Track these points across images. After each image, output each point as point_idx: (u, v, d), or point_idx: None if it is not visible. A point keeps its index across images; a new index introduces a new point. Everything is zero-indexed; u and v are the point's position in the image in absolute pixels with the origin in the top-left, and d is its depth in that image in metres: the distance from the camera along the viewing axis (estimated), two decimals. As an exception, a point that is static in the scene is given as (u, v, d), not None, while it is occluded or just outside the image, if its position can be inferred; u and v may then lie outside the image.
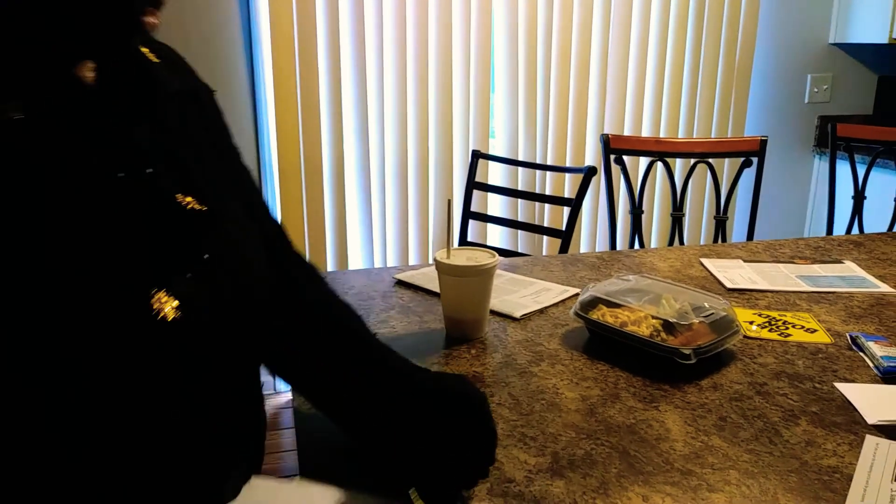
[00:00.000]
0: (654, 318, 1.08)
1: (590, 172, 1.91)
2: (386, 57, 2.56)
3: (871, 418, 0.90)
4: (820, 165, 3.13)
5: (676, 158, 2.14)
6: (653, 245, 2.96)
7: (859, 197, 2.14)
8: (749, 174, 1.99)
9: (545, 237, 2.72)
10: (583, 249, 2.89)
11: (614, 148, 1.92)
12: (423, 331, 1.16)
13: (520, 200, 2.61)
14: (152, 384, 0.60)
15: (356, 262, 2.75)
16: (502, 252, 2.29)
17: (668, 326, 1.07)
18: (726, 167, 2.88)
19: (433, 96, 2.63)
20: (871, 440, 0.86)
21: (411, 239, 2.75)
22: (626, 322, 1.09)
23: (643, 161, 2.01)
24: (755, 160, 1.93)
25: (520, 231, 2.70)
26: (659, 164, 1.97)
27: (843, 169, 2.26)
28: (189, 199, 0.67)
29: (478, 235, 2.68)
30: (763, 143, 1.92)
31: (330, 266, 2.70)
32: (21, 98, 0.57)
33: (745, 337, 1.15)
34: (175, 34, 2.31)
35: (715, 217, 1.99)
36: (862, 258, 1.56)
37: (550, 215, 2.75)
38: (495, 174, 2.70)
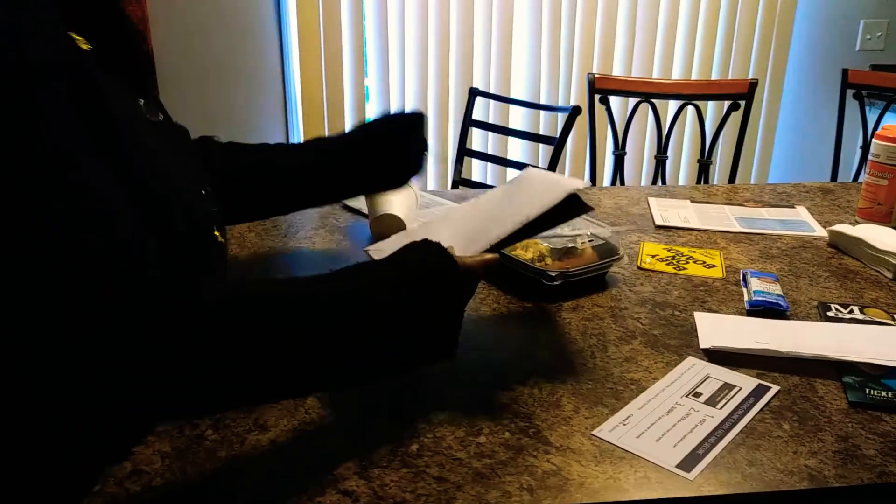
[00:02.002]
0: (541, 243, 1.13)
1: (574, 112, 1.92)
2: (406, -7, 2.60)
3: (705, 343, 0.94)
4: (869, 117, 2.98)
5: (666, 100, 2.11)
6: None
7: (868, 147, 2.06)
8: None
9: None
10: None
11: (599, 88, 1.92)
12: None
13: (509, 139, 2.64)
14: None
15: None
16: (482, 187, 2.34)
17: (557, 251, 1.12)
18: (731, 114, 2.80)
19: (455, 36, 2.66)
20: (690, 360, 0.90)
21: (431, 171, 2.82)
22: (517, 246, 1.14)
23: (632, 102, 1.99)
24: (743, 103, 1.88)
25: (508, 168, 2.73)
26: (644, 105, 1.95)
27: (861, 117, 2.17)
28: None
29: (469, 171, 2.74)
30: (752, 85, 1.87)
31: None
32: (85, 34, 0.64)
33: (638, 268, 1.18)
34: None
35: (699, 161, 1.97)
36: (823, 204, 1.53)
37: (545, 154, 2.77)
38: (488, 113, 2.74)
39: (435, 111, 2.74)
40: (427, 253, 0.75)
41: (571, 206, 0.86)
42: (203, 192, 0.79)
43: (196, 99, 2.64)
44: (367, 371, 0.71)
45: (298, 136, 2.73)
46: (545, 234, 1.14)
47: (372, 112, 2.74)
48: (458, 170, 2.15)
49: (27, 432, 0.57)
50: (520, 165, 2.22)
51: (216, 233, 0.77)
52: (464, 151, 2.19)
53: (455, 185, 2.22)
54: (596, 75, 1.92)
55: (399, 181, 1.20)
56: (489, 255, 0.81)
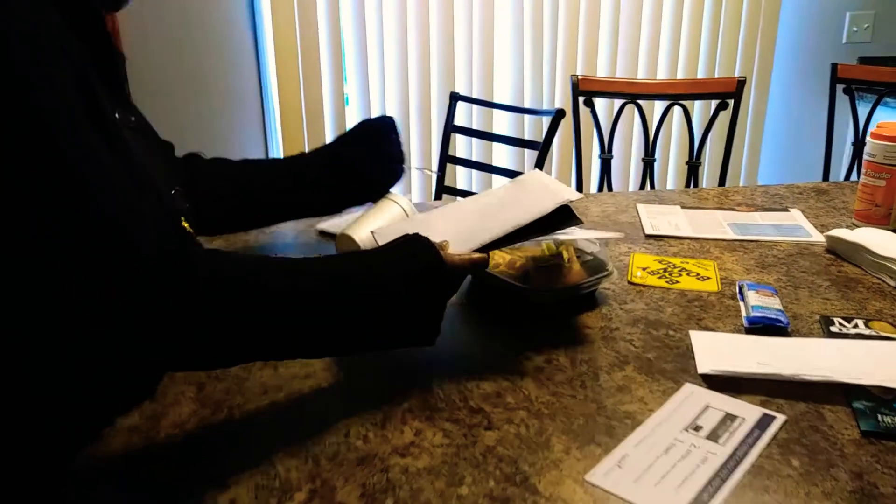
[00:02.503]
0: (526, 260, 1.07)
1: (558, 115, 1.86)
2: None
3: (703, 367, 0.87)
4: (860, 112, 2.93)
5: (651, 101, 2.05)
6: (628, 190, 2.86)
7: (859, 144, 2.01)
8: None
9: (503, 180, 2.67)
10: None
11: (584, 90, 1.86)
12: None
13: (494, 144, 2.57)
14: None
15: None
16: (465, 195, 2.28)
17: (543, 269, 1.05)
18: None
19: (435, 41, 2.59)
20: (688, 388, 0.83)
21: (414, 178, 2.75)
22: (500, 263, 1.08)
23: (617, 104, 1.93)
24: (731, 102, 1.83)
25: (493, 175, 2.67)
26: (631, 108, 1.89)
27: (857, 111, 2.12)
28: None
29: (448, 178, 2.67)
30: (740, 83, 1.81)
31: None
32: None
33: (629, 283, 1.12)
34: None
35: (687, 163, 1.91)
36: (817, 206, 1.48)
37: (530, 160, 2.71)
38: (471, 118, 2.67)
39: (417, 117, 2.67)
40: (417, 248, 0.80)
41: (562, 217, 0.90)
42: (173, 191, 0.85)
43: (170, 111, 2.56)
44: (350, 345, 0.77)
45: (278, 145, 2.66)
46: (530, 253, 1.08)
47: (352, 119, 2.67)
48: (441, 177, 2.08)
49: (36, 400, 0.58)
50: (505, 172, 2.15)
51: (185, 225, 0.81)
52: (446, 158, 2.13)
53: (438, 195, 2.15)
54: (580, 77, 1.86)
55: (376, 192, 1.18)
56: (477, 256, 0.85)
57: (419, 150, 2.71)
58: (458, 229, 0.92)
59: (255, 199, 1.15)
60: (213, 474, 0.70)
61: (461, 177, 2.76)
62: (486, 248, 0.87)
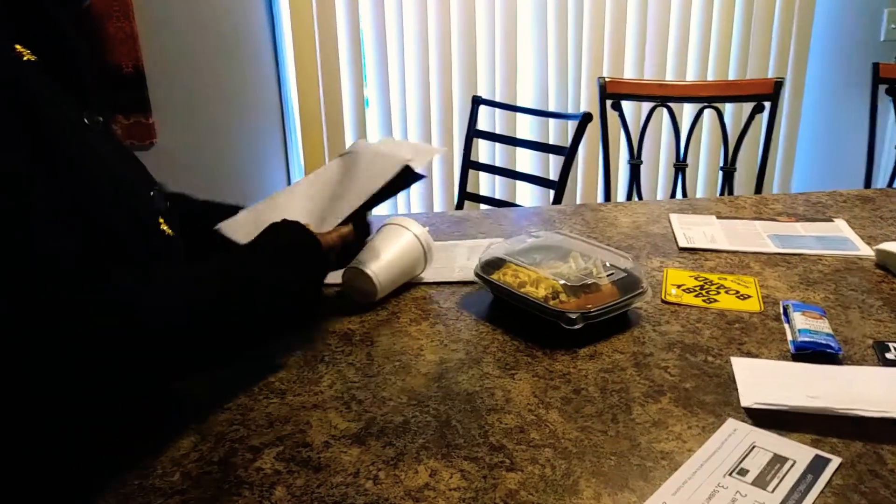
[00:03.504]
0: (554, 278, 1.00)
1: (584, 119, 1.79)
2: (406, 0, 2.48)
3: (747, 400, 0.80)
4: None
5: (681, 104, 1.96)
6: (658, 197, 2.76)
7: (904, 147, 1.90)
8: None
9: (540, 187, 2.59)
10: (580, 201, 2.75)
11: (611, 93, 1.78)
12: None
13: (518, 149, 2.50)
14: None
15: (378, 208, 2.73)
16: (495, 203, 2.21)
17: (573, 287, 0.98)
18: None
19: (456, 43, 2.53)
20: (731, 424, 0.76)
21: (436, 184, 2.69)
22: (525, 282, 1.01)
23: (646, 107, 1.85)
24: (768, 105, 1.74)
25: (518, 182, 2.59)
26: (661, 111, 1.81)
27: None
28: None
29: (471, 184, 2.60)
30: (777, 84, 1.72)
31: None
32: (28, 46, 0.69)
33: (663, 301, 1.05)
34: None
35: (721, 168, 1.82)
36: (863, 216, 1.38)
37: (556, 165, 2.63)
38: (494, 122, 2.60)
39: (439, 121, 2.60)
40: (293, 233, 0.88)
41: (407, 177, 0.98)
42: (151, 192, 0.83)
43: (190, 117, 2.53)
44: (255, 322, 0.79)
45: (297, 149, 2.61)
46: (557, 269, 1.01)
47: (372, 123, 2.61)
48: (463, 184, 2.02)
49: None
50: (531, 178, 2.08)
51: (164, 227, 0.81)
52: (468, 163, 2.06)
53: (460, 204, 2.08)
54: (607, 79, 1.78)
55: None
56: (344, 229, 0.95)
57: (440, 155, 2.64)
58: (313, 210, 0.99)
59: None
60: (209, 520, 0.64)
61: (484, 183, 2.69)
62: (347, 219, 0.96)
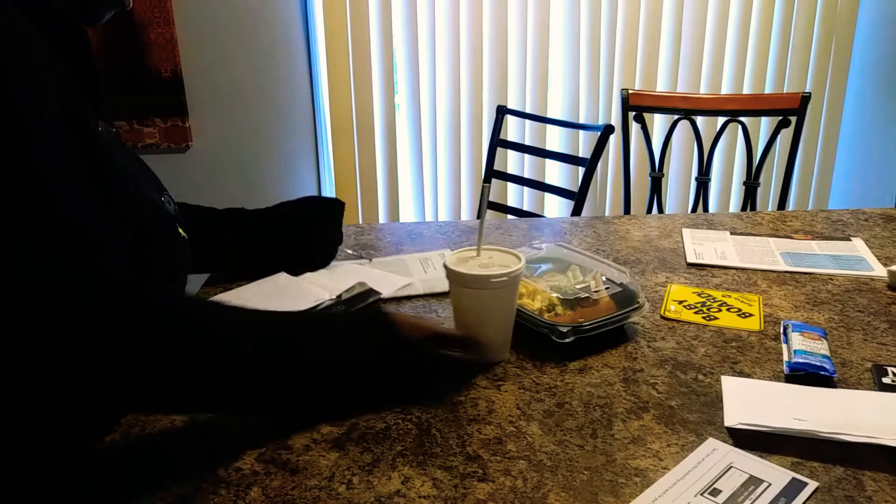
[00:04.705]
0: (551, 291, 1.00)
1: (606, 130, 1.78)
2: (438, 8, 2.50)
3: (731, 420, 0.79)
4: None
5: (704, 117, 1.94)
6: (680, 211, 2.72)
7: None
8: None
9: (556, 198, 2.58)
10: (608, 212, 2.73)
11: (634, 105, 1.77)
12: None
13: (546, 160, 2.49)
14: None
15: (407, 214, 2.76)
16: (515, 212, 2.21)
17: (568, 301, 0.98)
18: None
19: (487, 51, 2.54)
20: (710, 444, 0.75)
21: (464, 192, 2.70)
22: (523, 294, 1.01)
23: (668, 120, 1.83)
24: (794, 119, 1.71)
25: (540, 192, 2.59)
26: (684, 124, 1.79)
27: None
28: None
29: (498, 194, 2.60)
30: (805, 99, 1.69)
31: (382, 218, 2.73)
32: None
33: (662, 317, 1.04)
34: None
35: (744, 183, 1.79)
36: (883, 235, 1.35)
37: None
38: (524, 133, 2.60)
39: (468, 130, 2.62)
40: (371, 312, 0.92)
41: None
42: (162, 198, 0.86)
43: (225, 122, 2.59)
44: (289, 398, 0.76)
45: (328, 155, 2.65)
46: (554, 282, 1.01)
47: (402, 130, 2.64)
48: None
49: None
50: (555, 189, 2.08)
51: (179, 229, 0.85)
52: (492, 173, 2.07)
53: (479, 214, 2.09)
54: (630, 91, 1.77)
55: (308, 266, 1.17)
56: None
57: (469, 163, 2.65)
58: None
59: (216, 250, 1.14)
60: (183, 517, 0.66)
61: (512, 193, 2.69)
62: None
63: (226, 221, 1.14)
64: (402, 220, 2.73)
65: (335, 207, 1.20)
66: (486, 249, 0.93)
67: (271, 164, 2.66)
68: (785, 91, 2.62)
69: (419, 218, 2.74)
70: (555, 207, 2.72)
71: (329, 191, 2.72)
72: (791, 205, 2.82)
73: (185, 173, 2.64)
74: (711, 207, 2.74)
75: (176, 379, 0.66)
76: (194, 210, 1.12)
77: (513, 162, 2.64)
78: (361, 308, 1.04)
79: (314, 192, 2.73)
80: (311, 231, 1.17)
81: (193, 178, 2.64)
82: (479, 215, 0.92)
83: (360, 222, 2.70)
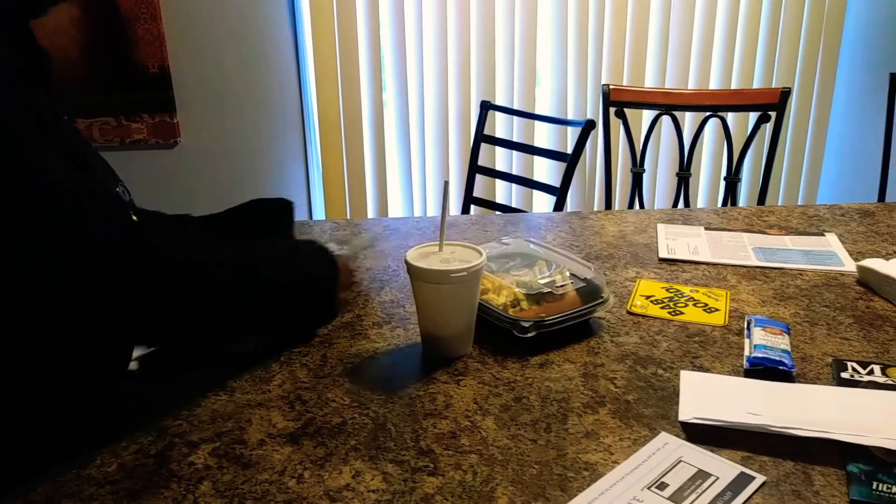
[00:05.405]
0: (516, 286, 1.00)
1: (587, 126, 1.78)
2: (425, 4, 2.49)
3: (685, 414, 0.79)
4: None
5: (687, 112, 1.94)
6: (657, 206, 2.72)
7: (922, 161, 1.85)
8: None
9: (545, 194, 2.58)
10: (596, 208, 2.73)
11: (615, 100, 1.77)
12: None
13: (534, 156, 2.49)
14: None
15: (396, 210, 2.76)
16: (502, 209, 2.21)
17: (533, 296, 0.98)
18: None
19: (475, 47, 2.54)
20: (662, 438, 0.76)
21: (452, 188, 2.70)
22: (489, 289, 1.01)
23: (650, 115, 1.83)
24: (773, 115, 1.70)
25: (535, 191, 2.59)
26: (665, 119, 1.79)
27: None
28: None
29: (485, 190, 2.60)
30: (784, 94, 1.69)
31: (370, 213, 2.73)
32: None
33: (628, 312, 1.04)
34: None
35: (725, 179, 1.79)
36: (858, 230, 1.35)
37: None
38: (511, 128, 2.60)
39: (456, 126, 2.62)
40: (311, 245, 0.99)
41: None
42: (117, 187, 0.87)
43: (213, 116, 2.59)
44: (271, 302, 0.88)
45: (317, 152, 2.65)
46: (520, 278, 1.01)
47: (389, 127, 2.64)
48: (469, 189, 2.03)
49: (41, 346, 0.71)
50: (535, 184, 2.08)
51: (134, 217, 0.84)
52: (475, 168, 2.07)
53: (466, 207, 2.10)
54: (611, 86, 1.77)
55: None
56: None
57: (457, 159, 2.65)
58: None
59: None
60: (132, 510, 0.66)
61: (501, 189, 2.69)
62: None
63: (177, 227, 1.12)
64: (390, 216, 2.73)
65: (285, 207, 1.19)
66: (449, 244, 0.93)
67: (260, 160, 2.67)
68: (774, 85, 2.62)
69: (408, 213, 2.74)
70: (543, 204, 2.72)
71: (318, 186, 2.72)
72: (780, 200, 2.82)
73: (173, 169, 2.64)
74: (699, 202, 2.75)
75: (188, 310, 0.77)
76: (147, 214, 1.11)
77: (501, 158, 2.63)
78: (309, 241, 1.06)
79: (303, 188, 2.74)
80: (274, 232, 1.15)
81: (182, 173, 2.65)
82: (442, 211, 0.92)
83: (349, 217, 2.71)
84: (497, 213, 2.28)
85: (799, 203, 2.82)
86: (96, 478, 0.71)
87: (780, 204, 2.78)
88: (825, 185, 2.83)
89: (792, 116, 2.70)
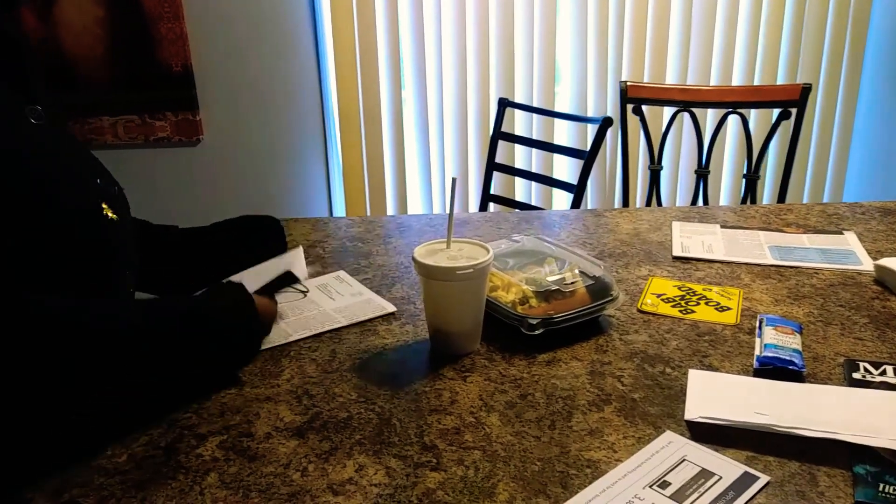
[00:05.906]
0: (525, 283, 1.00)
1: (605, 123, 1.77)
2: (444, 1, 2.50)
3: (691, 413, 0.79)
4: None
5: (706, 109, 1.92)
6: (677, 204, 2.68)
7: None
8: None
9: (564, 191, 2.57)
10: (617, 205, 2.70)
11: (632, 97, 1.76)
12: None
13: (554, 153, 2.48)
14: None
15: (415, 207, 2.77)
16: (522, 206, 2.20)
17: (542, 293, 0.99)
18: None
19: (494, 44, 2.54)
20: (667, 437, 0.75)
21: (471, 185, 2.70)
22: (498, 286, 1.02)
23: (669, 112, 1.82)
24: (794, 111, 1.68)
25: (555, 189, 2.57)
26: (684, 116, 1.78)
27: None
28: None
29: (504, 188, 2.60)
30: (805, 90, 1.67)
31: (390, 210, 2.74)
32: None
33: (638, 311, 1.04)
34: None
35: (744, 176, 1.77)
36: (878, 229, 1.33)
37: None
38: (530, 126, 2.59)
39: (476, 123, 2.62)
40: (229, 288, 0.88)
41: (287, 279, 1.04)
42: (98, 180, 0.87)
43: (234, 115, 2.62)
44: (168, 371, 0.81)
45: (337, 149, 2.67)
46: (530, 275, 1.01)
47: (409, 124, 2.65)
48: (487, 186, 2.03)
49: None
50: (552, 181, 2.07)
51: (108, 212, 0.85)
52: (492, 165, 2.07)
53: (484, 205, 2.10)
54: (629, 83, 1.76)
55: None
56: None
57: (476, 157, 2.65)
58: None
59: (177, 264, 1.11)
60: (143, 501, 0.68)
61: (521, 186, 2.68)
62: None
63: (158, 236, 1.10)
64: (409, 213, 2.74)
65: (272, 225, 1.16)
66: (457, 241, 0.94)
67: (281, 157, 2.69)
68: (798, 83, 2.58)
69: (427, 210, 2.75)
70: (563, 202, 2.71)
71: (338, 183, 2.74)
72: (805, 198, 2.78)
73: (196, 166, 2.68)
74: (719, 200, 2.72)
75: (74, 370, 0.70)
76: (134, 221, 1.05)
77: (521, 156, 2.63)
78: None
79: (324, 185, 2.76)
80: (262, 249, 1.12)
81: (204, 170, 2.68)
82: (449, 208, 0.93)
83: (368, 214, 2.72)
84: (516, 210, 2.28)
85: (825, 200, 2.78)
86: (106, 468, 0.73)
87: (804, 202, 2.74)
88: (851, 182, 2.78)
89: (817, 113, 2.66)
